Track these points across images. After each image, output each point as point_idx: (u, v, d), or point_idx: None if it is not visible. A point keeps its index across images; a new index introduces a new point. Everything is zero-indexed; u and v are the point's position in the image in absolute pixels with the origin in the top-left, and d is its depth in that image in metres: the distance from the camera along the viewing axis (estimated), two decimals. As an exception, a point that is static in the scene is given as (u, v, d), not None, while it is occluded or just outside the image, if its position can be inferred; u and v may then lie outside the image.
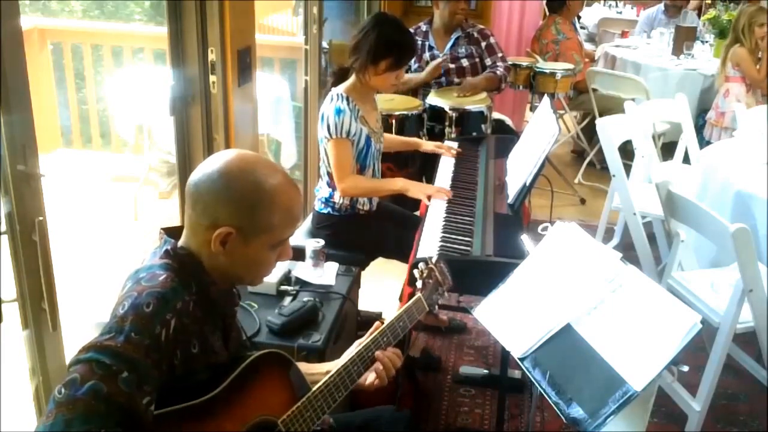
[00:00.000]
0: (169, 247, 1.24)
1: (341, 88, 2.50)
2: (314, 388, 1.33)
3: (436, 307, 1.66)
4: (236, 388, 1.21)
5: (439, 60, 3.65)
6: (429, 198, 2.44)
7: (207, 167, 1.24)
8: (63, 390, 1.02)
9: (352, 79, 2.50)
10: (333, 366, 1.45)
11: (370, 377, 1.46)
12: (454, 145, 2.95)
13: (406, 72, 3.85)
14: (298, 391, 1.32)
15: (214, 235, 1.21)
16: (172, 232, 1.29)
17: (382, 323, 1.50)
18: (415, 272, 1.64)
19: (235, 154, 1.26)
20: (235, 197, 1.21)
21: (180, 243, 1.26)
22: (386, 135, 2.94)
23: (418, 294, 1.60)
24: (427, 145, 2.92)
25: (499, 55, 3.84)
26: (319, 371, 1.46)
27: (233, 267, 1.26)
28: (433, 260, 1.67)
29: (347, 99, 2.45)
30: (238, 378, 1.22)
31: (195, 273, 1.23)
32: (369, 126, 2.51)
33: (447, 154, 2.87)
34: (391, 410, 1.71)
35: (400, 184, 2.54)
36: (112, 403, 1.02)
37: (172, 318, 1.13)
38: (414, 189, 2.51)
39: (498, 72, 3.75)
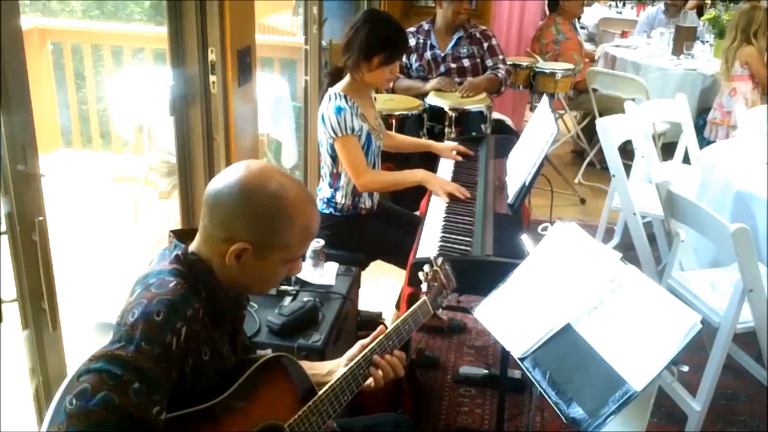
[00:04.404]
0: (179, 252, 1.23)
1: (338, 87, 2.50)
2: (320, 392, 1.33)
3: (440, 309, 1.66)
4: (243, 392, 1.21)
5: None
6: (448, 195, 2.41)
7: (227, 179, 1.22)
8: (74, 401, 1.02)
9: (347, 77, 2.50)
10: (334, 365, 1.44)
11: (367, 380, 1.46)
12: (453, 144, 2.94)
13: (408, 72, 3.86)
14: (304, 396, 1.32)
15: (230, 250, 1.20)
16: (182, 235, 1.29)
17: (385, 326, 1.50)
18: (420, 275, 1.63)
19: (257, 167, 1.25)
20: (255, 215, 1.20)
21: (191, 248, 1.25)
22: (397, 135, 2.92)
23: (423, 297, 1.60)
24: (443, 151, 2.83)
25: (501, 57, 3.84)
26: (320, 371, 1.46)
27: (243, 278, 1.26)
28: (438, 262, 1.67)
29: (345, 97, 2.45)
30: (246, 382, 1.22)
31: (205, 279, 1.22)
32: (369, 123, 2.51)
33: (457, 158, 2.81)
34: (393, 416, 1.71)
35: (420, 175, 2.51)
36: (123, 414, 1.02)
37: (183, 326, 1.12)
38: (434, 183, 2.48)
39: (500, 75, 3.76)
